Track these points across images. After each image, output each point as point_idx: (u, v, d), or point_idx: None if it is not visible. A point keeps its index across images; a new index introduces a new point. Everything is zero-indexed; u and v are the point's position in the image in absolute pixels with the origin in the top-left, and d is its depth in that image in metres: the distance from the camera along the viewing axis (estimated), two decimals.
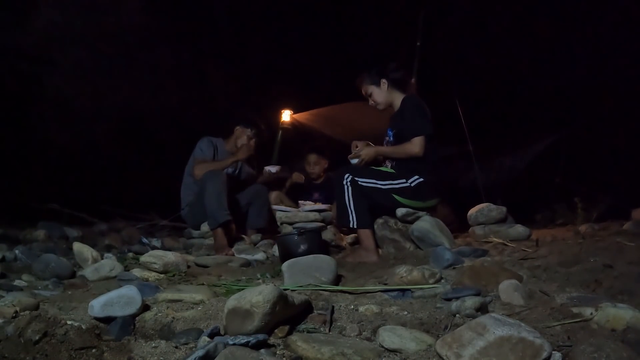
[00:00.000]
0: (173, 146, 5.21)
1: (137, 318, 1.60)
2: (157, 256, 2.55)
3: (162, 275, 2.47)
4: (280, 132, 5.61)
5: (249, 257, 3.08)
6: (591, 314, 1.41)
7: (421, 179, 2.96)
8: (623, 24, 4.53)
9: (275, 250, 3.10)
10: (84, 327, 1.44)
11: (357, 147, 3.13)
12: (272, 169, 4.05)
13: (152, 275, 2.46)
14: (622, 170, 4.65)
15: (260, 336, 1.32)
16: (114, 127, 5.67)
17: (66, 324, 1.41)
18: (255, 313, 1.36)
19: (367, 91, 3.22)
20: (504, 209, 3.08)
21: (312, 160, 4.58)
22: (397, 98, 3.17)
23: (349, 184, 2.89)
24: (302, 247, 2.68)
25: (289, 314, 1.49)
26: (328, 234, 3.41)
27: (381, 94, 3.18)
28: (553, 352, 1.14)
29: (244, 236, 3.73)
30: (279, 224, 3.69)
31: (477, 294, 1.68)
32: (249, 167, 4.10)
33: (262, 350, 1.29)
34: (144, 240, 3.72)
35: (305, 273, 1.99)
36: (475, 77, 5.31)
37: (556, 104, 5.31)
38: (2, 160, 4.67)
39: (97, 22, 4.82)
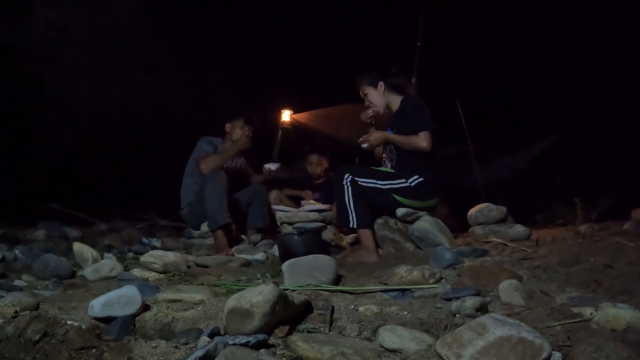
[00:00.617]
0: (173, 146, 5.21)
1: (137, 318, 1.60)
2: (157, 256, 2.55)
3: (162, 275, 2.47)
4: (280, 132, 5.61)
5: (249, 257, 3.08)
6: (591, 314, 1.41)
7: (421, 179, 2.96)
8: (623, 24, 4.53)
9: (275, 250, 3.10)
10: (84, 327, 1.44)
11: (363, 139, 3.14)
12: (272, 166, 4.02)
13: (152, 275, 2.46)
14: (622, 170, 4.65)
15: (260, 336, 1.32)
16: (114, 127, 5.67)
17: (66, 324, 1.41)
18: (255, 313, 1.36)
19: (364, 92, 3.25)
20: (504, 209, 3.08)
21: (314, 160, 4.59)
22: (395, 100, 3.19)
23: (348, 183, 2.90)
24: (302, 247, 2.68)
25: (289, 314, 1.49)
26: (328, 234, 3.41)
27: (377, 96, 3.22)
28: (553, 352, 1.14)
29: (243, 236, 3.74)
30: (279, 223, 3.69)
31: (477, 294, 1.68)
32: (242, 158, 4.11)
33: (262, 350, 1.29)
34: (144, 240, 3.72)
35: (305, 273, 1.99)
36: (475, 77, 5.31)
37: (556, 104, 5.31)
38: (2, 160, 4.67)
39: (97, 22, 4.81)
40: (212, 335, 1.38)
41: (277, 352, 1.33)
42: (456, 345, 1.18)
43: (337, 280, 2.12)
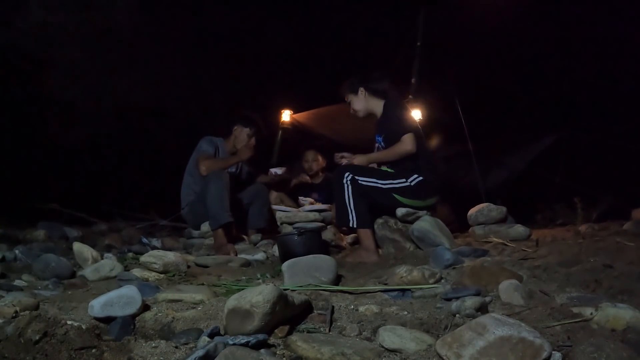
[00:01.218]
0: (173, 146, 5.21)
1: (137, 318, 1.60)
2: (157, 256, 2.54)
3: (162, 275, 2.47)
4: (280, 132, 5.61)
5: (249, 257, 3.07)
6: (591, 314, 1.41)
7: (421, 178, 2.97)
8: (624, 24, 4.53)
9: (275, 250, 3.10)
10: (84, 327, 1.44)
11: (342, 157, 3.16)
12: (278, 170, 4.04)
13: (152, 275, 2.46)
14: (622, 170, 4.65)
15: (260, 336, 1.32)
16: (114, 127, 5.67)
17: (66, 324, 1.41)
18: (255, 313, 1.36)
19: (347, 99, 3.30)
20: (504, 209, 3.08)
21: (310, 157, 4.60)
22: (377, 105, 3.21)
23: (348, 182, 2.89)
24: (302, 247, 2.67)
25: (289, 314, 1.49)
26: (328, 234, 3.41)
27: (359, 102, 3.25)
28: (553, 352, 1.14)
29: (244, 236, 3.73)
30: (279, 224, 3.69)
31: (477, 294, 1.68)
32: (248, 167, 4.11)
33: (262, 350, 1.29)
34: (144, 240, 3.71)
35: (305, 273, 1.99)
36: (476, 77, 5.32)
37: (556, 104, 5.32)
38: (2, 160, 4.67)
39: (97, 22, 4.82)
40: (212, 335, 1.38)
41: (277, 352, 1.33)
42: (456, 345, 1.18)
43: (337, 280, 2.11)
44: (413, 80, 4.82)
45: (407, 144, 2.96)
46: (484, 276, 1.91)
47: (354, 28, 5.87)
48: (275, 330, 1.42)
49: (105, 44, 5.02)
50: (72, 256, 2.78)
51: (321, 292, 1.82)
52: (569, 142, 5.16)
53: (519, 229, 2.92)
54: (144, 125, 5.78)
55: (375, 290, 1.89)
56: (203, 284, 2.14)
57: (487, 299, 1.68)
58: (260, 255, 3.14)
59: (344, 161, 3.13)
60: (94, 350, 1.35)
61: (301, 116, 5.66)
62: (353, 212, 2.88)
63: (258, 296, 1.38)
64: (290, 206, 3.95)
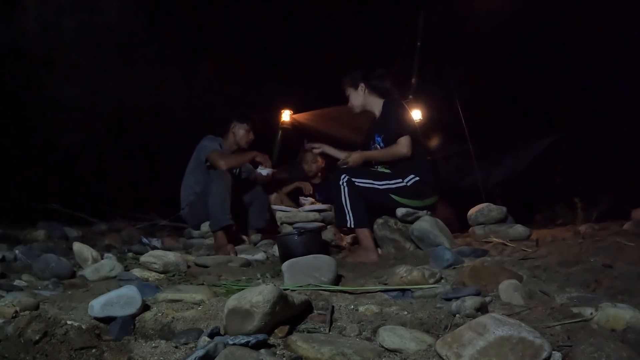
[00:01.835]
0: (172, 146, 5.21)
1: (137, 318, 1.60)
2: (157, 256, 2.54)
3: (162, 275, 2.47)
4: (280, 132, 5.61)
5: (249, 257, 3.07)
6: (591, 314, 1.41)
7: (417, 178, 2.97)
8: (623, 24, 4.53)
9: (275, 250, 3.10)
10: (84, 327, 1.44)
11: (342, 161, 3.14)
12: (263, 172, 3.69)
13: (152, 275, 2.46)
14: (622, 170, 4.65)
15: (260, 336, 1.32)
16: (113, 127, 5.68)
17: (66, 324, 1.41)
18: (255, 313, 1.36)
19: (347, 93, 3.27)
20: (504, 209, 3.08)
21: (309, 158, 4.59)
22: (376, 103, 3.20)
23: (345, 184, 2.90)
24: (302, 247, 2.67)
25: (289, 314, 1.49)
26: (328, 234, 3.42)
27: (357, 97, 3.22)
28: (553, 352, 1.14)
29: (244, 237, 3.73)
30: (279, 224, 3.69)
31: (477, 294, 1.68)
32: (247, 166, 4.10)
33: (262, 350, 1.29)
34: (144, 240, 3.71)
35: (305, 273, 1.99)
36: (476, 77, 5.32)
37: (556, 104, 5.32)
38: (2, 160, 4.67)
39: (96, 21, 4.81)
40: (212, 335, 1.38)
41: (277, 352, 1.33)
42: (456, 345, 1.18)
43: (337, 280, 2.11)
44: (413, 80, 4.83)
45: (402, 146, 2.97)
46: (484, 276, 1.91)
47: (354, 28, 5.88)
48: (275, 330, 1.42)
49: (105, 43, 5.02)
50: (72, 256, 2.78)
51: (321, 292, 1.82)
52: (569, 142, 5.16)
53: (519, 229, 2.92)
54: (144, 125, 5.78)
55: (375, 290, 1.89)
56: (203, 284, 2.14)
57: (487, 299, 1.68)
58: (260, 255, 3.14)
59: (343, 158, 3.11)
60: (94, 350, 1.35)
61: (301, 116, 5.67)
62: (350, 212, 2.89)
63: (258, 296, 1.38)
64: (290, 206, 3.95)
